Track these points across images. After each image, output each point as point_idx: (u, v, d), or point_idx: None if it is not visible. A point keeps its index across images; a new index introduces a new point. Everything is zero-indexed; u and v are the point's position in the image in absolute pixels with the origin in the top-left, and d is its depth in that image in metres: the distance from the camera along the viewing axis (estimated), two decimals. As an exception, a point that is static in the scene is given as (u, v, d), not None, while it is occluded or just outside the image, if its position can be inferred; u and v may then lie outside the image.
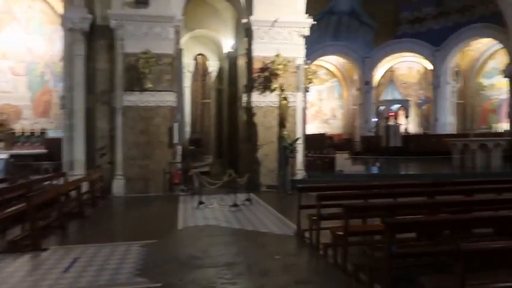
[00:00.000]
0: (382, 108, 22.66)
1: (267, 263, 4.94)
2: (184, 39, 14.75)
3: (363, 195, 5.81)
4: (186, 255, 5.22)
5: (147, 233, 6.37)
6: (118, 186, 10.38)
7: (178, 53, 11.63)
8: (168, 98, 10.74)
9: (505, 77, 19.02)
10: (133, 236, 6.20)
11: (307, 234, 5.79)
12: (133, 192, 10.30)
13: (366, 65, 23.94)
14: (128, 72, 10.43)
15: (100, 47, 10.92)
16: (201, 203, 8.60)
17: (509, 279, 2.92)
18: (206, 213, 8.04)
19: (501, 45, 19.73)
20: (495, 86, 22.57)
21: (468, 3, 21.01)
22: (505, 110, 21.11)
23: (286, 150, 10.82)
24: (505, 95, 20.61)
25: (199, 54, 16.90)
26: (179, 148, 11.30)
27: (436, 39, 22.23)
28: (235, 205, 8.34)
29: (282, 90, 11.11)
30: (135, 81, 10.42)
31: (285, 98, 11.11)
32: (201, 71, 17.28)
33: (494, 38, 20.01)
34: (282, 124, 11.16)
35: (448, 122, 23.05)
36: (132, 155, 10.51)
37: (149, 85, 10.41)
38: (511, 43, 17.52)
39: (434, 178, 9.65)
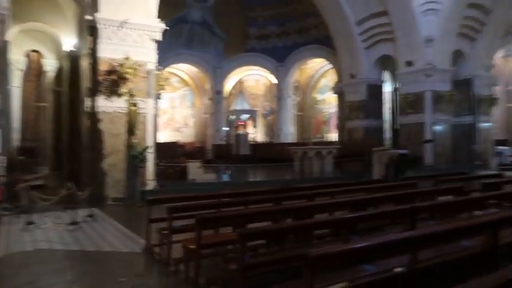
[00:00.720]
0: (232, 117, 23.60)
1: None
2: (12, 32, 12.71)
3: (215, 204, 5.74)
4: (6, 291, 4.28)
5: (-49, 267, 5.05)
6: None
7: (3, 46, 9.85)
8: (-13, 99, 8.97)
9: (334, 93, 21.96)
10: None
11: (157, 250, 5.41)
12: None
13: (217, 76, 24.66)
14: None
15: None
16: (30, 223, 7.31)
17: (351, 277, 3.13)
18: (37, 235, 6.84)
19: (331, 66, 22.75)
20: (326, 100, 25.94)
21: (305, 26, 23.57)
22: (333, 122, 24.42)
23: (135, 159, 10.17)
24: (334, 109, 23.81)
25: (33, 51, 14.82)
26: (3, 159, 9.52)
27: (280, 56, 24.34)
28: (74, 223, 7.33)
29: (131, 96, 10.45)
30: None
31: (134, 104, 10.48)
32: (35, 70, 15.22)
33: (326, 58, 22.95)
34: (131, 131, 10.47)
35: (289, 132, 25.43)
36: None
37: (-40, 82, 8.53)
38: (339, 64, 20.32)
39: (279, 184, 10.36)
